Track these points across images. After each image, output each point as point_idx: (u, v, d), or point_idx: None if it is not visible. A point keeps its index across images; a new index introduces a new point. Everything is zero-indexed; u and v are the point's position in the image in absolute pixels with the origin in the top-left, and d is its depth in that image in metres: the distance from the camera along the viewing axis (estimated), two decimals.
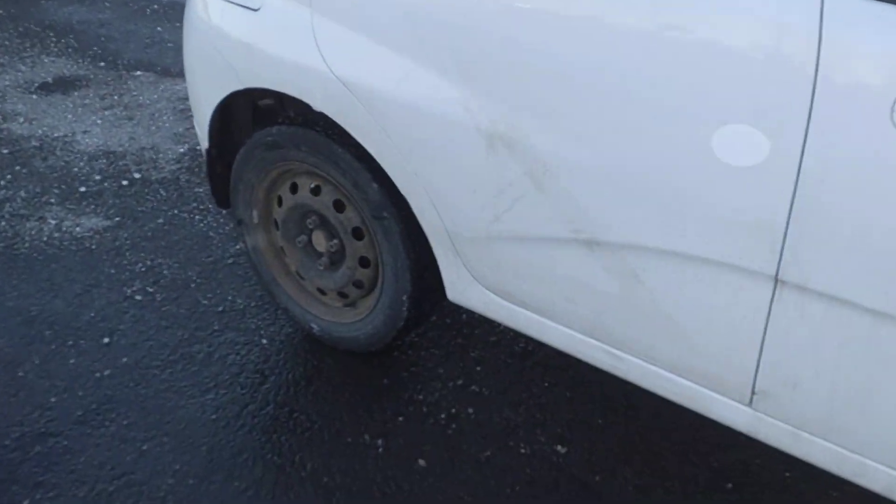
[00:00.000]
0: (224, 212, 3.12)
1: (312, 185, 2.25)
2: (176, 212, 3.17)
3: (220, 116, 2.34)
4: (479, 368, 2.39)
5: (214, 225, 3.09)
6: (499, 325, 2.50)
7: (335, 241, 2.27)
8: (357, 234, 2.22)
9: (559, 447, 2.11)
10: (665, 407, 2.08)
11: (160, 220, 3.10)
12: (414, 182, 1.92)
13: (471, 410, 2.23)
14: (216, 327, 2.54)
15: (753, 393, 1.64)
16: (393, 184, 2.00)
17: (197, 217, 3.14)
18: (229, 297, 2.68)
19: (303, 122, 2.16)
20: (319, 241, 2.32)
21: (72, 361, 2.37)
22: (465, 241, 1.93)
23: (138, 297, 2.66)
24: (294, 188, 2.30)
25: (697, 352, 1.67)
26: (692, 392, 1.74)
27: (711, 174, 1.46)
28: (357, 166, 2.06)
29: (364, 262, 2.25)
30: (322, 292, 2.43)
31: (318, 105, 2.00)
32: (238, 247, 2.94)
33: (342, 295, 2.37)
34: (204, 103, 2.33)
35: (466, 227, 1.89)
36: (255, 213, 2.42)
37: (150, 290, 2.70)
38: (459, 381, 2.34)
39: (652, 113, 1.49)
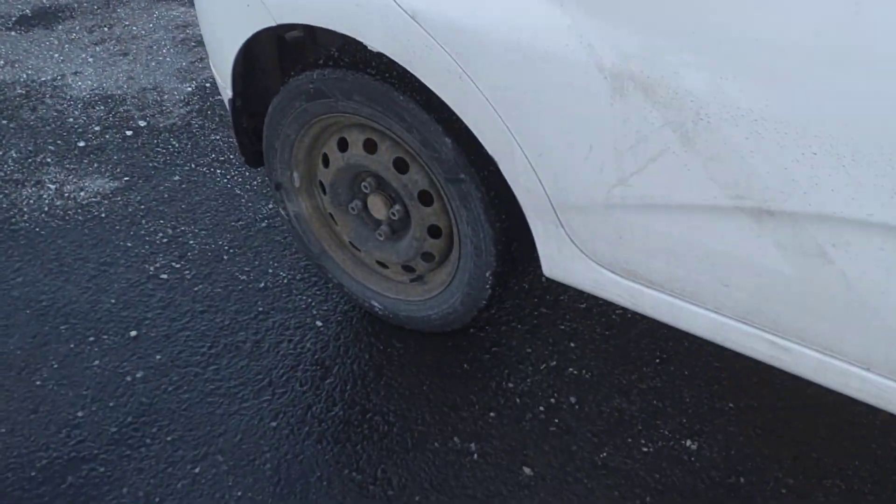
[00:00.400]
0: (252, 170, 2.70)
1: (365, 140, 1.84)
2: (193, 166, 2.76)
3: (242, 59, 1.91)
4: (572, 345, 2.03)
5: (240, 180, 2.68)
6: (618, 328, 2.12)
7: (397, 206, 1.88)
8: (425, 198, 1.82)
9: (688, 442, 1.77)
10: (802, 383, 1.73)
11: (176, 178, 2.69)
12: (506, 139, 1.51)
13: (573, 400, 1.88)
14: (260, 308, 2.17)
15: None
16: (474, 140, 1.60)
17: (219, 171, 2.73)
18: (270, 270, 2.30)
19: (350, 63, 1.73)
20: (377, 206, 1.92)
21: (96, 363, 2.02)
22: (574, 209, 1.53)
23: (164, 276, 2.28)
24: (343, 144, 1.89)
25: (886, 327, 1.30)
26: (891, 392, 1.38)
27: None
28: (425, 118, 1.65)
29: (434, 231, 1.86)
30: (383, 265, 2.05)
31: (376, 44, 1.57)
32: (272, 207, 2.54)
33: (408, 269, 1.99)
34: (225, 45, 1.89)
35: (577, 193, 1.50)
36: (295, 176, 2.02)
37: (177, 265, 2.32)
38: (553, 363, 1.98)
39: (872, 38, 1.07)
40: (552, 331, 2.06)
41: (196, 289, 2.24)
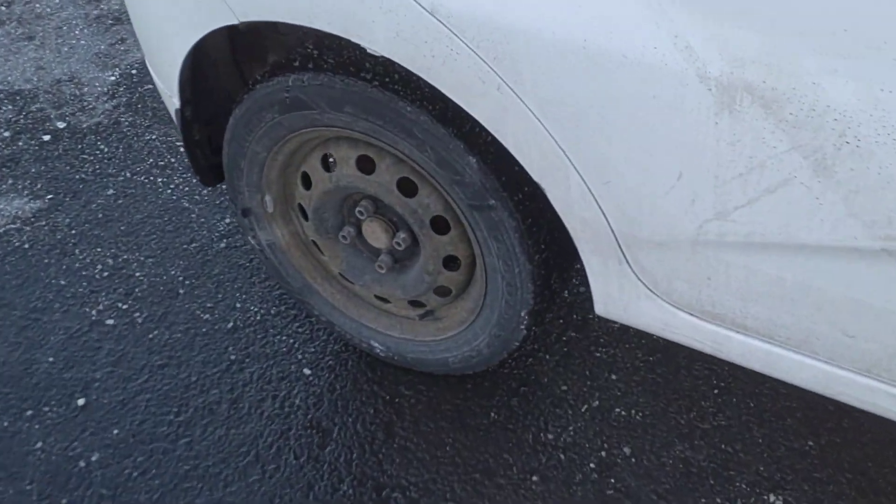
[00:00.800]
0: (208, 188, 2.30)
1: (359, 157, 1.47)
2: (128, 175, 2.33)
3: (191, 61, 1.51)
4: (614, 377, 1.73)
5: (187, 189, 2.27)
6: (661, 355, 1.80)
7: (402, 234, 1.53)
8: (438, 225, 1.47)
9: (771, 497, 1.50)
10: (875, 421, 1.47)
11: (110, 192, 2.27)
12: (558, 162, 1.17)
13: (627, 451, 1.59)
14: (233, 356, 1.81)
15: None
16: (506, 158, 1.25)
17: (160, 180, 2.31)
18: (237, 304, 1.93)
19: (336, 65, 1.36)
20: (376, 234, 1.57)
21: (38, 446, 1.64)
22: (648, 245, 1.21)
23: (110, 322, 1.89)
24: (328, 162, 1.52)
25: None
26: None
27: None
28: (441, 133, 1.30)
29: (451, 262, 1.52)
30: (383, 300, 1.70)
31: (379, 47, 1.20)
32: (231, 222, 2.15)
33: (416, 303, 1.65)
34: (169, 47, 1.49)
35: (654, 228, 1.17)
36: (268, 200, 1.64)
37: (124, 306, 1.93)
38: (595, 402, 1.68)
39: None
40: (587, 360, 1.75)
41: (151, 336, 1.86)
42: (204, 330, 1.86)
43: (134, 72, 2.78)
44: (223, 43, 1.59)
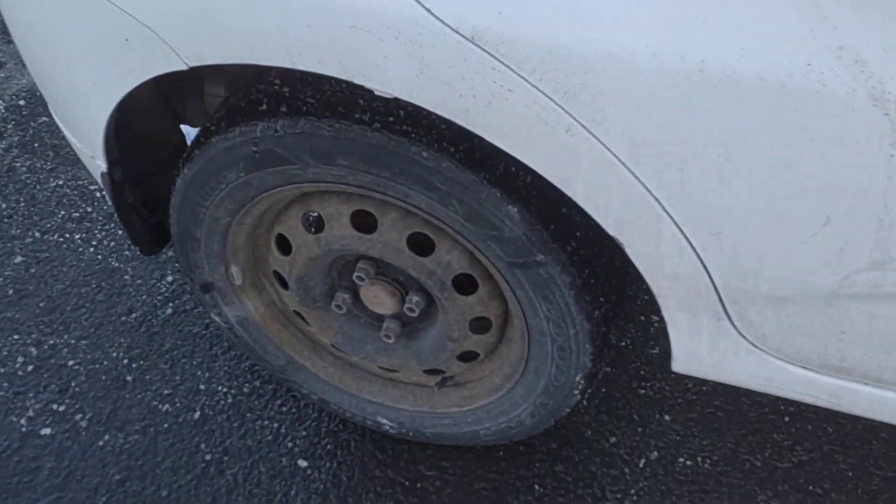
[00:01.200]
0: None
1: (354, 213, 1.16)
2: (37, 234, 1.94)
3: (116, 114, 1.16)
4: (667, 417, 1.49)
5: (113, 245, 1.90)
6: (714, 383, 1.55)
7: (415, 297, 1.23)
8: (461, 283, 1.18)
9: None
10: None
11: (18, 260, 1.88)
12: (649, 214, 0.90)
13: None
14: (207, 456, 1.48)
15: None
16: (551, 202, 0.98)
17: (78, 237, 1.93)
18: (201, 386, 1.60)
19: (319, 104, 1.04)
20: (378, 299, 1.27)
21: None
22: (765, 300, 0.95)
23: (46, 431, 1.54)
24: (310, 220, 1.20)
25: None
26: None
27: None
28: (471, 181, 1.01)
29: (479, 324, 1.24)
30: (390, 369, 1.40)
31: (394, 88, 0.89)
32: (174, 280, 1.80)
33: (433, 371, 1.36)
34: (91, 102, 1.14)
35: (779, 281, 0.92)
36: (234, 271, 1.32)
37: (60, 407, 1.57)
38: (653, 455, 1.45)
39: None
40: (631, 401, 1.50)
41: (101, 443, 1.51)
42: (166, 426, 1.53)
43: (22, 103, 2.35)
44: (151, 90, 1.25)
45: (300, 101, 1.06)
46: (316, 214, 1.21)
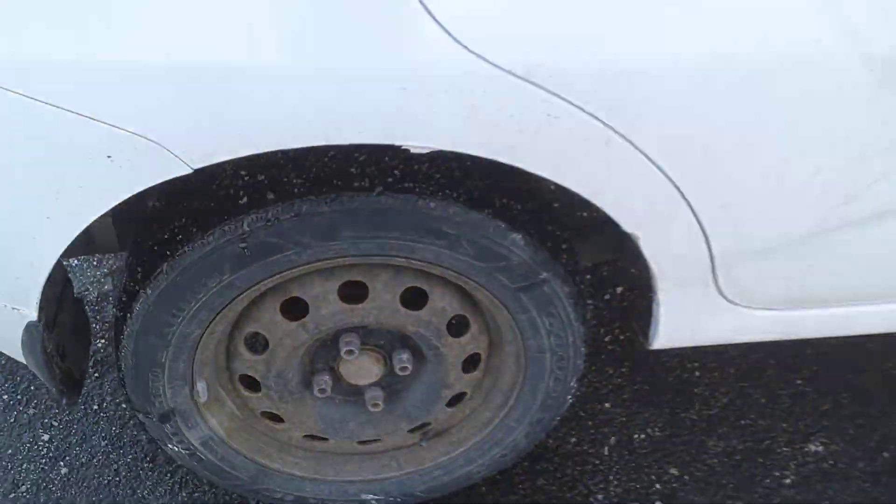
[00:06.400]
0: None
1: (340, 288, 1.14)
2: None
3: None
4: (608, 405, 1.61)
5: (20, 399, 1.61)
6: (629, 363, 1.68)
7: (404, 355, 1.23)
8: (454, 326, 1.22)
9: (811, 446, 1.52)
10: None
11: None
12: (670, 203, 1.02)
13: (674, 471, 1.50)
14: None
15: None
16: (542, 224, 1.09)
17: None
18: None
19: (310, 184, 1.02)
20: (363, 370, 1.25)
21: None
22: (752, 255, 1.11)
23: None
24: (291, 307, 1.16)
25: None
26: None
27: None
28: (477, 219, 1.06)
29: (469, 363, 1.27)
30: (369, 441, 1.37)
31: (436, 142, 0.92)
32: (49, 438, 1.57)
33: (417, 428, 1.35)
34: (39, 239, 0.99)
35: (769, 233, 1.09)
36: (200, 388, 1.21)
37: None
38: (612, 441, 1.56)
39: None
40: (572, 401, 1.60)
41: None
42: None
43: None
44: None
45: (287, 184, 1.03)
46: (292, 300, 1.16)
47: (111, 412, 1.61)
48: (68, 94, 0.85)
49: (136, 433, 1.57)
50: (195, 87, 0.86)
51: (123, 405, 1.61)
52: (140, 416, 1.23)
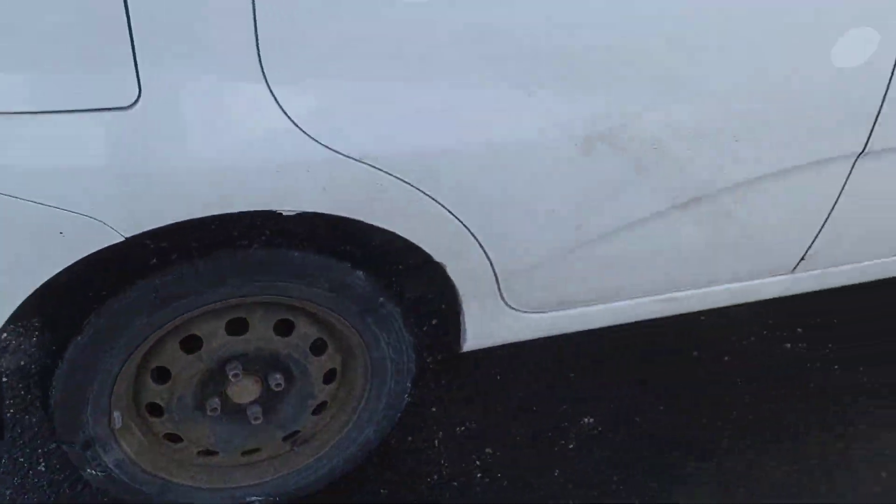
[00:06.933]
0: None
1: (227, 324, 1.51)
2: None
3: None
4: (434, 410, 2.04)
5: None
6: (448, 375, 2.11)
7: (277, 375, 1.59)
8: (316, 347, 1.61)
9: (585, 420, 2.03)
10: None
11: None
12: (463, 240, 1.48)
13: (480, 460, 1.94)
14: None
15: (802, 259, 1.85)
16: (374, 259, 1.53)
17: None
18: None
19: (205, 246, 1.40)
20: (245, 391, 1.60)
21: None
22: (523, 271, 1.60)
23: None
24: (190, 343, 1.50)
25: (766, 249, 1.79)
26: (745, 287, 1.87)
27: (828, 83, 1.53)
28: (330, 263, 1.48)
29: (329, 376, 1.66)
30: (250, 452, 1.70)
31: (301, 206, 1.33)
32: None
33: (288, 436, 1.71)
34: None
35: (534, 253, 1.57)
36: (116, 416, 1.52)
37: None
38: (441, 433, 1.98)
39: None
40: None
41: None
42: None
43: None
44: None
45: (186, 247, 1.38)
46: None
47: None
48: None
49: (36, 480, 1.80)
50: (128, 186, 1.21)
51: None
52: (65, 446, 1.51)
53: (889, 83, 1.56)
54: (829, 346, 2.33)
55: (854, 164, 1.68)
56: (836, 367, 2.26)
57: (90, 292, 1.39)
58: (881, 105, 1.58)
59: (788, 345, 2.34)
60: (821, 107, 1.56)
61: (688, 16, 1.38)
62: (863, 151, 1.65)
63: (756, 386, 2.17)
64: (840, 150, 1.64)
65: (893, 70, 1.55)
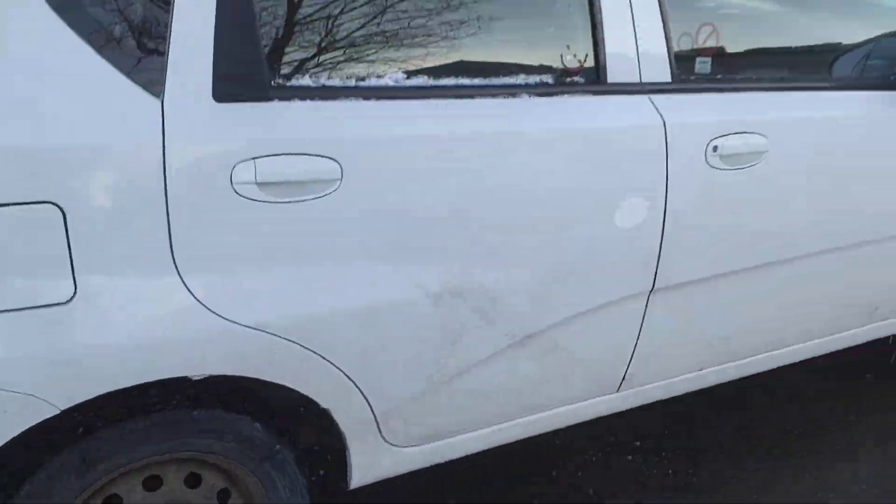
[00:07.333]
0: None
1: (143, 482, 1.73)
2: None
3: None
4: None
5: None
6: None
7: None
8: (221, 493, 1.85)
9: None
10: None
11: None
12: (345, 389, 1.79)
13: None
14: None
15: (623, 379, 2.27)
16: (267, 412, 1.81)
17: None
18: None
19: (122, 413, 1.65)
20: None
21: None
22: (399, 412, 1.91)
23: None
24: (111, 501, 1.72)
25: (593, 374, 2.19)
26: (582, 407, 2.25)
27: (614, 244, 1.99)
28: (233, 417, 1.75)
29: None
30: None
31: (207, 370, 1.61)
32: None
33: None
34: None
35: (405, 396, 1.89)
36: None
37: None
38: None
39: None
40: None
41: None
42: None
43: None
44: None
45: (99, 419, 1.62)
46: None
47: None
48: None
49: None
50: (54, 369, 1.47)
51: None
52: None
53: (662, 235, 2.04)
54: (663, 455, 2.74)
55: (648, 299, 2.13)
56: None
57: (22, 463, 1.59)
58: (659, 252, 2.06)
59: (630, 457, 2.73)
60: (615, 257, 2.01)
61: (517, 199, 1.82)
62: (652, 289, 2.10)
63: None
64: (635, 289, 2.09)
65: (663, 225, 2.03)
